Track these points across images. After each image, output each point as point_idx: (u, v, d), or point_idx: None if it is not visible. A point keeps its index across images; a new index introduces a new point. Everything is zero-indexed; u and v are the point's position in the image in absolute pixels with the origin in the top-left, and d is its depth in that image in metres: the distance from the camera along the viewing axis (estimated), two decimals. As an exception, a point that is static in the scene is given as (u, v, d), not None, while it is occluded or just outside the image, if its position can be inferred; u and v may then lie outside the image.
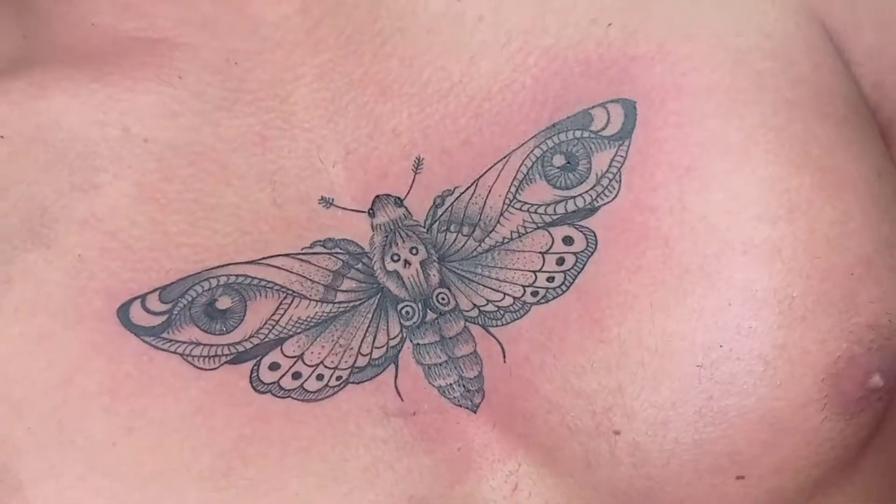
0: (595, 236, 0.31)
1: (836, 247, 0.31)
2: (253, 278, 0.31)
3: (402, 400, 0.31)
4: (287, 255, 0.31)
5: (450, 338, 0.32)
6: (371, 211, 0.32)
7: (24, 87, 0.32)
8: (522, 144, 0.32)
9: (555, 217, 0.32)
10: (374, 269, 0.32)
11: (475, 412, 0.32)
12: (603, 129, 0.31)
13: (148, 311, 0.31)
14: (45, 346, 0.30)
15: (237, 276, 0.31)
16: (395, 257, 0.32)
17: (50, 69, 0.33)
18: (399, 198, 0.32)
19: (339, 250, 0.32)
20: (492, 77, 0.32)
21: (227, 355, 0.31)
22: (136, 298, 0.31)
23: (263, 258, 0.31)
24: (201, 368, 0.31)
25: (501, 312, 0.32)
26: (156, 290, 0.31)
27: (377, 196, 0.32)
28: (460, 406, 0.32)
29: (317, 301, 0.31)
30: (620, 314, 0.31)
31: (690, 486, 0.31)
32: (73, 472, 0.30)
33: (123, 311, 0.31)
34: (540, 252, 0.32)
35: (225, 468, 0.30)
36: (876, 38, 0.33)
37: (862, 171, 0.32)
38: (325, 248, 0.32)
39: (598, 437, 0.31)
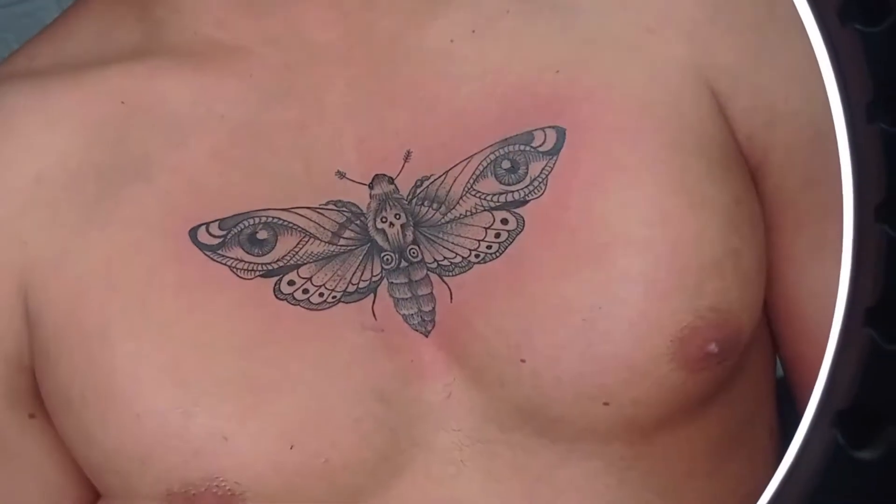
0: (523, 220, 0.42)
1: (694, 249, 0.41)
2: (284, 220, 0.43)
3: (375, 319, 0.42)
4: (309, 207, 0.43)
5: (415, 281, 0.42)
6: (371, 184, 0.43)
7: (144, 70, 0.45)
8: (482, 150, 0.43)
9: (497, 204, 0.42)
10: (368, 226, 0.43)
11: (427, 336, 0.42)
12: (540, 146, 0.42)
13: (210, 234, 0.42)
14: (139, 249, 0.42)
15: (273, 217, 0.43)
16: (384, 219, 0.43)
17: (163, 60, 0.45)
18: (391, 177, 0.43)
19: (345, 209, 0.43)
20: (468, 100, 0.43)
21: (260, 271, 0.42)
22: (203, 224, 0.42)
23: (293, 207, 0.43)
24: (241, 277, 0.42)
25: (452, 266, 0.42)
26: (217, 220, 0.43)
27: (376, 175, 0.43)
28: (417, 331, 0.42)
29: (325, 242, 0.43)
30: (533, 276, 0.41)
31: (570, 406, 0.41)
32: (150, 336, 0.42)
33: (193, 232, 0.42)
34: (484, 227, 0.42)
35: (251, 345, 0.41)
36: (749, 103, 0.44)
37: (724, 197, 0.43)
38: (335, 206, 0.43)
39: (509, 364, 0.41)
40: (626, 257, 0.41)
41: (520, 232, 0.42)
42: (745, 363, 0.44)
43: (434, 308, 0.42)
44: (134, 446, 0.41)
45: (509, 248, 0.42)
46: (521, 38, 0.43)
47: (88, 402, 0.42)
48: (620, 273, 0.41)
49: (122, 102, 0.44)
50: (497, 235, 0.42)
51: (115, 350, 0.42)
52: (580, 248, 0.41)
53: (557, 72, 0.43)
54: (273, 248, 0.42)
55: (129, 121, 0.44)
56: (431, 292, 0.42)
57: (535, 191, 0.42)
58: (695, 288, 0.41)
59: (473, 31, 0.43)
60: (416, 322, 0.42)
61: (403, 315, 0.42)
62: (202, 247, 0.42)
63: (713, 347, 0.41)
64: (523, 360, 0.41)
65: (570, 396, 0.41)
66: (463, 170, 0.43)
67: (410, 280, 0.42)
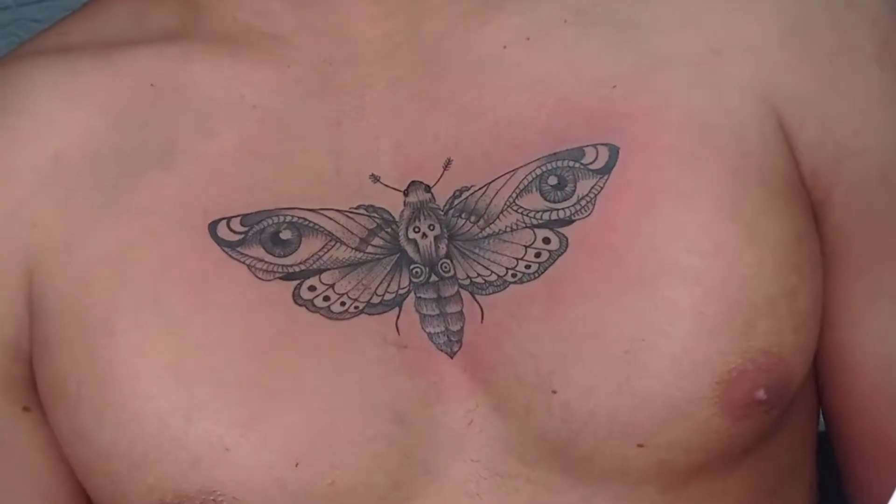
0: (567, 241, 0.40)
1: (747, 284, 0.39)
2: (310, 221, 0.40)
3: (398, 334, 0.40)
4: (338, 210, 0.40)
5: (445, 297, 0.40)
6: (406, 191, 0.40)
7: (177, 53, 0.43)
8: (528, 164, 0.40)
9: (540, 221, 0.40)
10: (399, 235, 0.40)
11: (452, 357, 0.39)
12: (591, 163, 0.40)
13: (231, 229, 0.40)
14: (154, 239, 0.40)
15: (299, 217, 0.40)
16: (416, 229, 0.40)
17: (197, 44, 0.43)
18: (428, 185, 0.40)
19: (376, 215, 0.40)
20: (515, 109, 0.41)
21: (280, 272, 0.40)
22: (223, 219, 0.40)
23: (321, 209, 0.40)
24: (260, 278, 0.40)
25: (486, 284, 0.40)
26: (239, 215, 0.40)
27: (413, 181, 0.41)
28: (442, 350, 0.39)
29: (352, 248, 0.40)
30: (574, 301, 0.39)
31: (601, 444, 0.39)
32: (156, 330, 0.39)
33: (213, 227, 0.40)
34: (524, 245, 0.40)
35: (264, 350, 0.39)
36: (817, 135, 0.41)
37: (783, 232, 0.40)
38: (366, 211, 0.40)
39: (539, 393, 0.38)
40: (674, 288, 0.38)
41: (562, 253, 0.40)
42: (790, 412, 0.42)
43: (462, 328, 0.40)
44: (128, 448, 0.38)
45: (549, 269, 0.40)
46: (577, 49, 0.41)
47: (84, 396, 0.39)
48: (667, 304, 0.38)
49: (152, 85, 0.42)
50: (537, 255, 0.40)
51: (119, 343, 0.40)
52: (625, 275, 0.39)
53: (614, 87, 0.41)
54: (296, 250, 0.40)
55: (156, 104, 0.42)
56: (461, 310, 0.40)
57: (583, 210, 0.40)
58: (746, 327, 0.38)
59: (528, 39, 0.41)
60: (441, 341, 0.40)
61: (429, 333, 0.40)
62: (221, 242, 0.40)
63: (761, 394, 0.38)
64: (555, 391, 0.39)
65: (603, 433, 0.39)
66: (506, 183, 0.40)
67: (439, 296, 0.40)
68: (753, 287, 0.39)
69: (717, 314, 0.38)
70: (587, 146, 0.40)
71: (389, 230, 0.40)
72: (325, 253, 0.40)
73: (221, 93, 0.42)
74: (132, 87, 0.42)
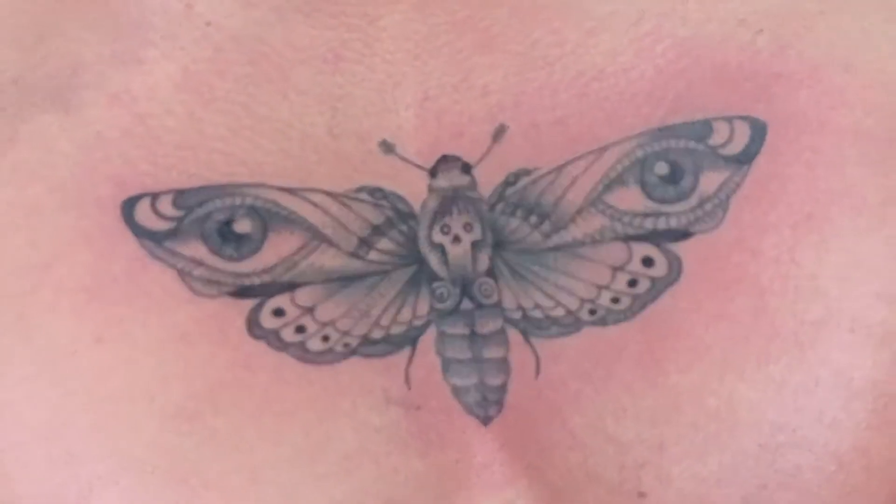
0: (681, 265, 0.28)
1: None
2: (283, 208, 0.28)
3: (409, 388, 0.28)
4: (328, 192, 0.28)
5: (481, 335, 0.28)
6: (433, 170, 0.28)
7: None
8: (625, 140, 0.28)
9: (640, 231, 0.28)
10: (419, 236, 0.28)
11: (486, 425, 0.28)
12: (722, 145, 0.28)
13: (156, 212, 0.28)
14: (31, 221, 0.28)
15: (266, 200, 0.28)
16: (446, 229, 0.28)
17: None
18: (468, 164, 0.28)
19: (386, 204, 0.28)
20: (610, 56, 0.29)
21: (229, 285, 0.28)
22: (146, 195, 0.28)
23: (301, 189, 0.28)
24: (197, 292, 0.28)
25: (549, 323, 0.28)
26: (172, 191, 0.28)
27: (444, 156, 0.28)
28: (472, 414, 0.28)
29: (346, 253, 0.28)
30: (686, 362, 0.28)
31: None
32: (18, 371, 0.27)
33: (128, 206, 0.28)
34: (612, 266, 0.28)
35: (192, 411, 0.27)
36: None
37: None
38: (371, 196, 0.28)
39: (618, 494, 0.28)
40: (849, 352, 0.28)
41: (671, 282, 0.28)
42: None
43: (506, 383, 0.28)
44: None
45: (650, 306, 0.28)
46: None
47: None
48: (834, 376, 0.28)
49: None
50: (632, 283, 0.28)
51: None
52: (770, 326, 0.28)
53: (760, 31, 0.29)
54: (257, 251, 0.28)
55: (55, 11, 0.30)
56: (505, 357, 0.28)
57: (707, 218, 0.28)
58: None
59: None
60: (471, 400, 0.28)
61: (454, 386, 0.28)
62: (139, 232, 0.28)
63: None
64: (643, 495, 0.28)
65: (714, 565, 0.28)
66: (588, 167, 0.28)
67: (474, 332, 0.28)
68: None
69: None
70: (717, 119, 0.28)
71: (404, 228, 0.28)
72: (304, 258, 0.28)
73: (159, 2, 0.28)
74: None
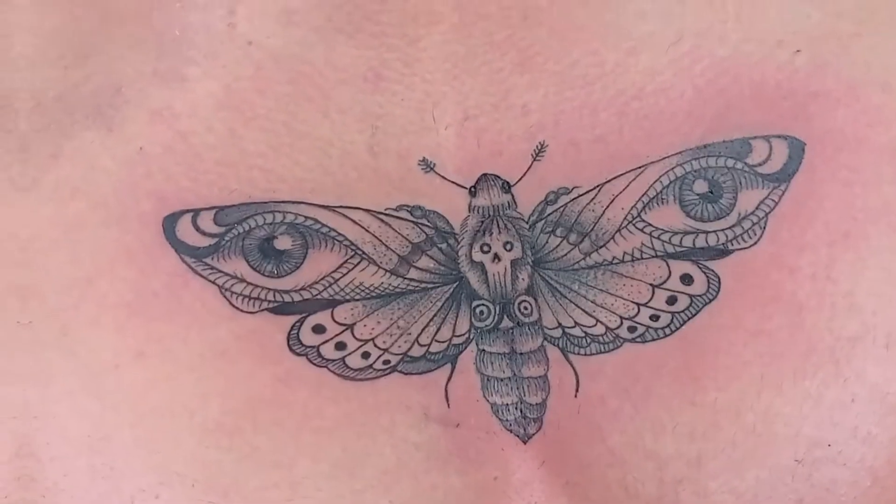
0: (719, 282, 0.27)
1: None
2: (323, 225, 0.28)
3: (448, 406, 0.28)
4: (368, 210, 0.28)
5: (521, 353, 0.28)
6: (473, 189, 0.28)
7: None
8: (664, 158, 0.28)
9: (679, 249, 0.28)
10: (459, 254, 0.28)
11: (525, 442, 0.28)
12: (760, 164, 0.28)
13: (198, 228, 0.27)
14: (73, 237, 0.27)
15: (306, 217, 0.28)
16: (486, 248, 0.28)
17: None
18: (508, 182, 0.28)
19: (426, 222, 0.28)
20: (649, 75, 0.28)
21: (270, 301, 0.27)
22: (188, 211, 0.27)
23: (341, 206, 0.28)
24: (238, 308, 0.27)
25: (588, 340, 0.28)
26: (213, 208, 0.27)
27: (484, 174, 0.28)
28: (511, 431, 0.28)
29: (386, 270, 0.28)
30: (724, 379, 0.27)
31: None
32: (61, 385, 0.27)
33: (170, 222, 0.27)
34: (651, 284, 0.28)
35: (232, 427, 0.27)
36: None
37: None
38: (411, 214, 0.28)
39: None
40: (883, 366, 0.27)
41: (710, 300, 0.28)
42: None
43: (545, 401, 0.28)
44: None
45: (689, 323, 0.28)
46: None
47: None
48: (870, 391, 0.27)
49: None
50: (671, 300, 0.28)
51: (8, 396, 0.27)
52: (807, 343, 0.27)
53: (798, 51, 0.28)
54: (297, 268, 0.28)
55: (98, 32, 0.29)
56: (545, 374, 0.28)
57: (746, 236, 0.28)
58: None
59: None
60: (511, 418, 0.28)
61: (494, 404, 0.28)
62: (181, 248, 0.27)
63: None
64: None
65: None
66: (628, 185, 0.28)
67: (514, 351, 0.28)
68: None
69: None
70: (755, 138, 0.28)
71: (445, 246, 0.28)
72: (344, 275, 0.28)
73: (197, 15, 0.29)
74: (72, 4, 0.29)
